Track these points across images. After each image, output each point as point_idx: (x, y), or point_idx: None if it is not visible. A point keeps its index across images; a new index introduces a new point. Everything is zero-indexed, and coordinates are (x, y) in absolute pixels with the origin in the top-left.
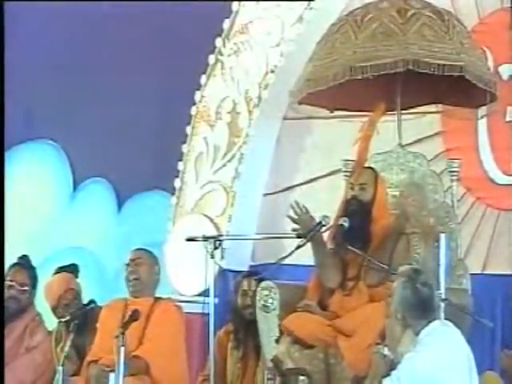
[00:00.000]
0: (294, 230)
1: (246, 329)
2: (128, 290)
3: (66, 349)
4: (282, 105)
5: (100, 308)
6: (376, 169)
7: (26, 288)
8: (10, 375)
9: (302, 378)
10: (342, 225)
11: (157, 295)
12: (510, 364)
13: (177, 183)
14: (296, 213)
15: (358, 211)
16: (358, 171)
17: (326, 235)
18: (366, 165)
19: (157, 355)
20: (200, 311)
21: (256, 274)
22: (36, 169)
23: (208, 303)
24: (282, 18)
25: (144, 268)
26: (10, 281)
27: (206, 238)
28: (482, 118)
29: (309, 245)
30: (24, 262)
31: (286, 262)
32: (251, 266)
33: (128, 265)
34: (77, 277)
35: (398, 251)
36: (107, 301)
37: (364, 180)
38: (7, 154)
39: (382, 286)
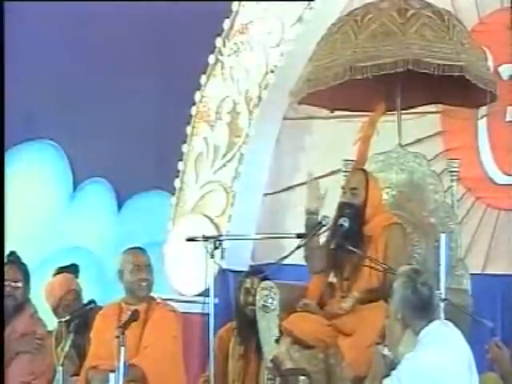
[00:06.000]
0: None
1: (248, 327)
2: (134, 294)
3: (66, 349)
4: (282, 105)
5: (100, 308)
6: (374, 169)
7: (19, 284)
8: (10, 375)
9: (301, 378)
10: (341, 225)
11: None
12: (499, 354)
13: (177, 183)
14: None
15: (349, 215)
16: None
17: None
18: (366, 165)
19: (153, 363)
20: (200, 311)
21: (259, 272)
22: (36, 169)
23: (208, 303)
24: (282, 18)
25: (151, 271)
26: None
27: (206, 238)
28: (482, 118)
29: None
30: (14, 259)
31: (286, 262)
32: (251, 266)
33: (138, 267)
34: (77, 277)
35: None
36: (107, 301)
37: (355, 184)
38: (7, 154)
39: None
